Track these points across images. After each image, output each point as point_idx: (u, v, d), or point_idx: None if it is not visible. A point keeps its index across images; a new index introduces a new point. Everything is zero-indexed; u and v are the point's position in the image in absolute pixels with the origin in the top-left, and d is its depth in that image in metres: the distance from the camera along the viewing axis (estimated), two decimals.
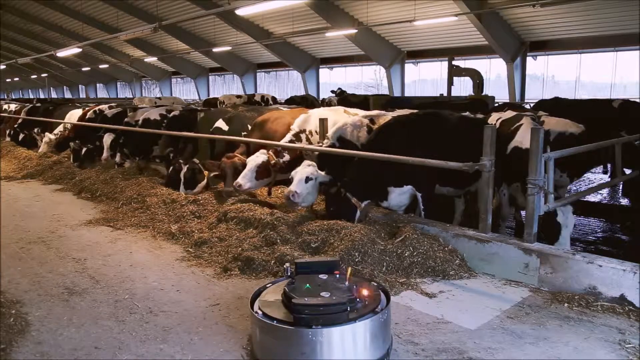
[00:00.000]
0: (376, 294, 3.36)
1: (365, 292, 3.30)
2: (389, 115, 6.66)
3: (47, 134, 12.44)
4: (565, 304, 4.06)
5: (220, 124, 8.30)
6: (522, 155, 5.51)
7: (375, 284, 3.57)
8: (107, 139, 9.97)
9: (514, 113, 6.81)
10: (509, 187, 6.16)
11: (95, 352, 3.41)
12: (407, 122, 6.12)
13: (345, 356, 3.02)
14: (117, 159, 9.70)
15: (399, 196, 5.80)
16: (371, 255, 4.71)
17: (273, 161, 6.61)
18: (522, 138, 5.80)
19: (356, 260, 4.65)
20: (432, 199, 5.85)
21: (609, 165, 10.50)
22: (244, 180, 6.43)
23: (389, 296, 3.40)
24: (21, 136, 13.95)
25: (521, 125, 6.10)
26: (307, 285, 3.26)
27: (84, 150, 10.32)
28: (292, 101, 18.17)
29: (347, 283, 3.30)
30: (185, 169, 7.60)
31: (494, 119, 6.87)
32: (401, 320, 3.83)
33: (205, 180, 7.73)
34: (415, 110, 6.90)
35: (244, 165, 6.77)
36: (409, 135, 5.84)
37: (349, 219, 5.50)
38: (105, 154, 9.92)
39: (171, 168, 7.98)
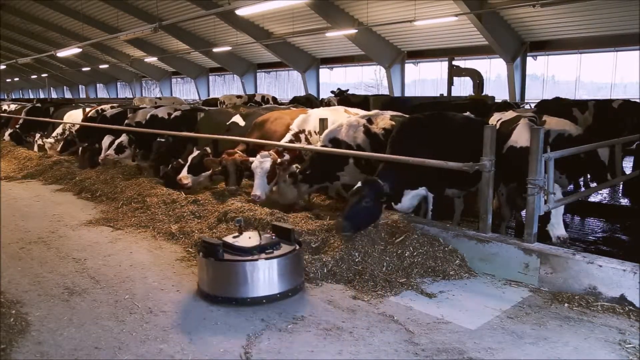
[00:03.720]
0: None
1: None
2: (387, 115, 6.66)
3: (45, 140, 12.43)
4: (566, 304, 4.07)
5: (237, 119, 8.34)
6: (517, 155, 5.50)
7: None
8: (107, 140, 9.86)
9: (515, 114, 6.80)
10: (506, 187, 6.15)
11: (95, 352, 3.41)
12: (425, 122, 6.07)
13: None
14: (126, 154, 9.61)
15: (411, 199, 5.72)
16: (371, 255, 4.70)
17: (279, 161, 6.61)
18: (518, 137, 5.78)
19: (356, 260, 4.66)
20: (441, 200, 5.83)
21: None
22: (260, 190, 6.46)
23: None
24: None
25: (517, 125, 6.10)
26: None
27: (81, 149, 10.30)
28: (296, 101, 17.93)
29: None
30: (195, 153, 7.59)
31: (495, 119, 6.86)
32: (401, 320, 3.83)
33: (211, 171, 7.58)
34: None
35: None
36: (429, 136, 5.73)
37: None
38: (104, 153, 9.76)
39: (170, 166, 7.93)
